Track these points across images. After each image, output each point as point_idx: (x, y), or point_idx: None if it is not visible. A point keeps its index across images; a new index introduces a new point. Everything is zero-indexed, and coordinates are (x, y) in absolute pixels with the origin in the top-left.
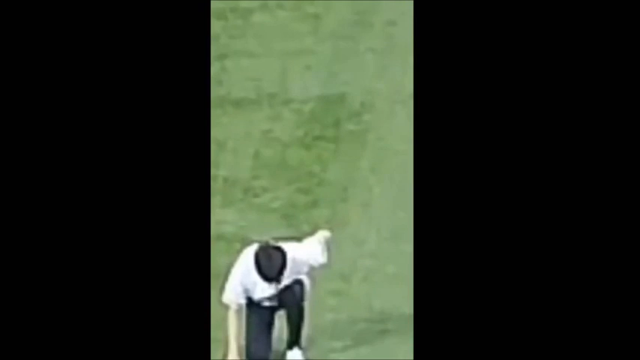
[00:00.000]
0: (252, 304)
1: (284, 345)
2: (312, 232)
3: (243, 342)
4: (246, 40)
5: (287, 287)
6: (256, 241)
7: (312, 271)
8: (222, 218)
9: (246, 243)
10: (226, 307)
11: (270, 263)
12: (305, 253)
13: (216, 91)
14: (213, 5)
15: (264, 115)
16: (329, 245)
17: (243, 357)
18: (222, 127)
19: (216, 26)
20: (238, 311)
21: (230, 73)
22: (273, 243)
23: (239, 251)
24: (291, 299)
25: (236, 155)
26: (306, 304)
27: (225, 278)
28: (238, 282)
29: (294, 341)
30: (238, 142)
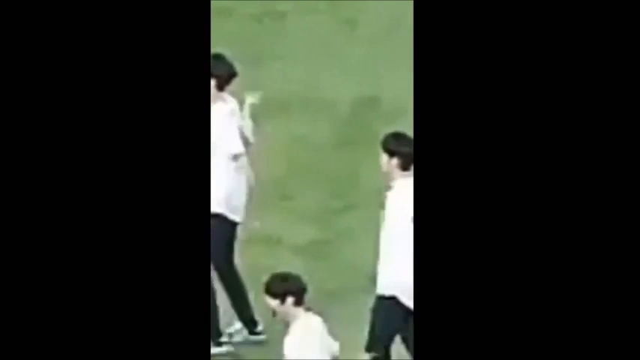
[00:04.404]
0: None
1: None
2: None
3: None
4: (281, 44)
5: None
6: None
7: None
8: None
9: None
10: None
11: None
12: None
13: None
14: (250, 10)
15: (298, 119)
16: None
17: None
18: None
19: (252, 29)
20: None
21: (265, 77)
22: None
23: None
24: None
25: (270, 158)
26: None
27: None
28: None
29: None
30: (272, 146)
